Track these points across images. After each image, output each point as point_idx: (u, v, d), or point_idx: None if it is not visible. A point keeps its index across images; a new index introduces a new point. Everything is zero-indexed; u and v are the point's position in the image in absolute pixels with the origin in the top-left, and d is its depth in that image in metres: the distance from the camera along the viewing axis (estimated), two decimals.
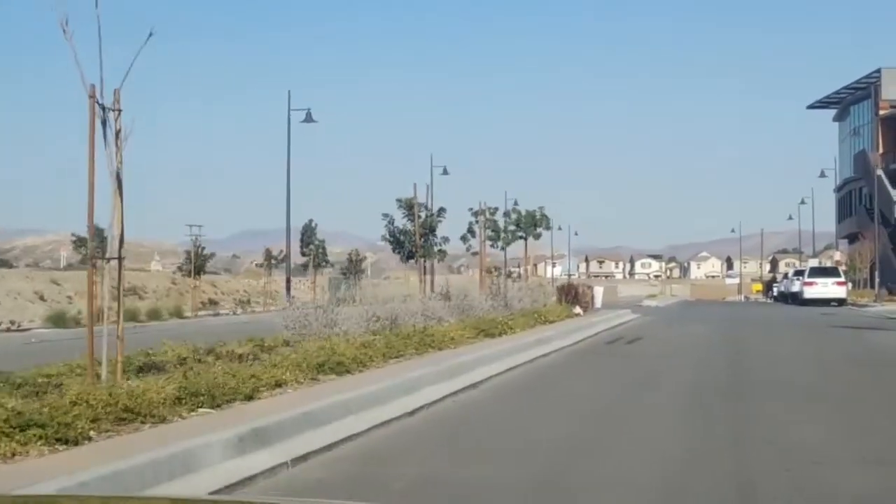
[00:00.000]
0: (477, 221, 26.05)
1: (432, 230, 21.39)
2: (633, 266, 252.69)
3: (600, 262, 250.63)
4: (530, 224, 31.08)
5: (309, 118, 46.41)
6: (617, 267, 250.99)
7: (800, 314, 42.11)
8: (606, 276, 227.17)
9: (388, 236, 21.34)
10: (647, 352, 19.98)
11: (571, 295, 32.25)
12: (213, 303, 42.34)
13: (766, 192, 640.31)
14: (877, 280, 57.49)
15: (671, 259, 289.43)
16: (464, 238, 25.81)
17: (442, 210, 21.85)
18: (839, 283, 52.07)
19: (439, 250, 22.26)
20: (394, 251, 21.90)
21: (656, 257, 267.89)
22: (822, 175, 77.45)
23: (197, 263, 40.38)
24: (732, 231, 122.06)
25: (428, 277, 31.29)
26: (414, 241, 21.05)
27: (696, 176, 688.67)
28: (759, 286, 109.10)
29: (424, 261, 21.53)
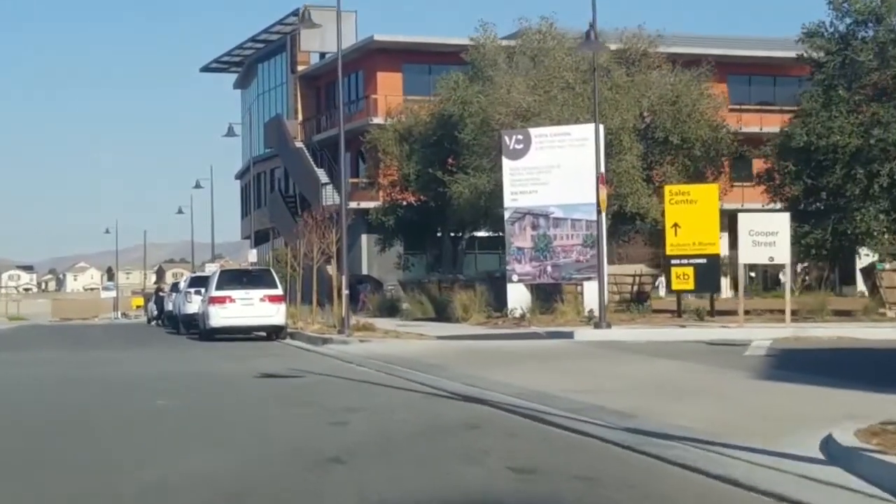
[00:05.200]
0: None
1: None
2: None
3: None
4: None
5: None
6: None
7: (200, 382, 17.85)
8: None
9: None
10: None
11: None
12: None
13: (157, 194, 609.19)
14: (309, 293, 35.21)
15: (51, 270, 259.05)
16: None
17: None
18: (272, 298, 28.73)
19: None
20: None
21: (27, 268, 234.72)
22: (231, 133, 54.34)
23: None
24: (107, 232, 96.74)
25: None
26: None
27: (81, 180, 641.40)
28: (141, 300, 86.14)
29: None
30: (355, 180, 58.55)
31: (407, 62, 57.32)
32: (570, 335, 22.35)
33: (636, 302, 30.67)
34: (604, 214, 22.90)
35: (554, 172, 28.14)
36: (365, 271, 52.64)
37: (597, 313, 26.75)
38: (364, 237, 53.35)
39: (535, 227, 28.55)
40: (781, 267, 48.88)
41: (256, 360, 21.18)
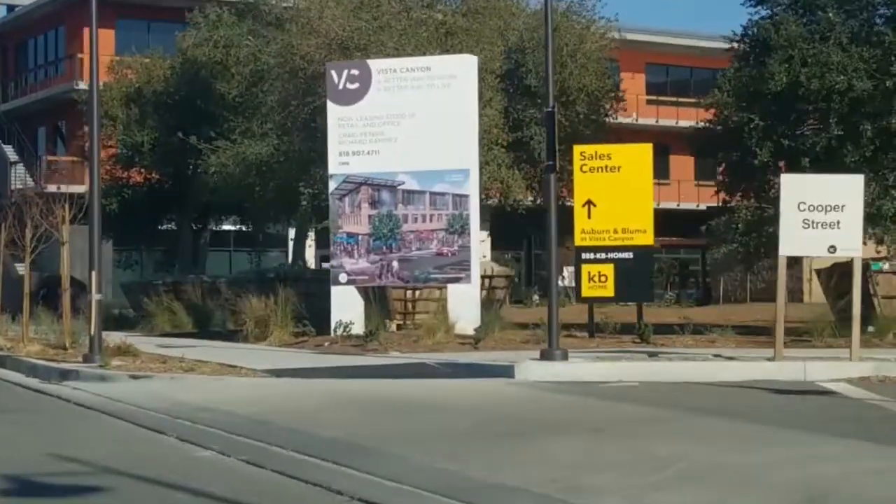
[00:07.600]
0: None
1: None
2: None
3: None
4: None
5: None
6: None
7: None
8: None
9: None
10: None
11: None
12: None
13: None
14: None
15: None
16: None
17: None
18: None
19: None
20: None
21: None
22: None
23: None
24: None
25: None
26: None
27: None
28: None
29: None
30: (53, 158, 47.48)
31: (122, 17, 46.88)
32: (503, 372, 13.52)
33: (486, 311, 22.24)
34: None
35: (405, 124, 19.25)
36: (66, 270, 41.66)
37: (479, 331, 18.32)
38: (65, 228, 42.36)
39: (374, 203, 19.53)
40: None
41: None
